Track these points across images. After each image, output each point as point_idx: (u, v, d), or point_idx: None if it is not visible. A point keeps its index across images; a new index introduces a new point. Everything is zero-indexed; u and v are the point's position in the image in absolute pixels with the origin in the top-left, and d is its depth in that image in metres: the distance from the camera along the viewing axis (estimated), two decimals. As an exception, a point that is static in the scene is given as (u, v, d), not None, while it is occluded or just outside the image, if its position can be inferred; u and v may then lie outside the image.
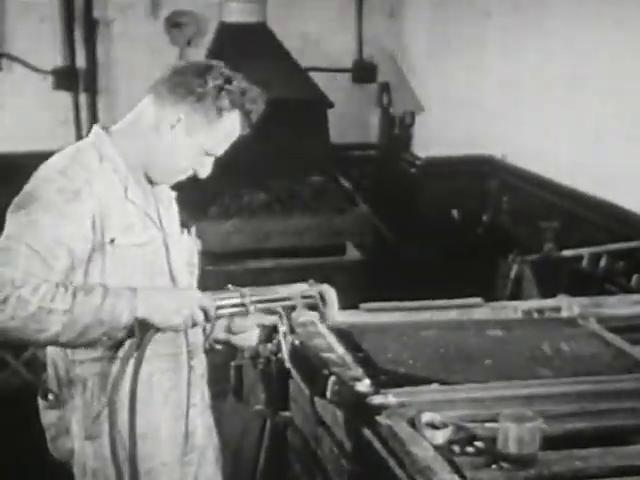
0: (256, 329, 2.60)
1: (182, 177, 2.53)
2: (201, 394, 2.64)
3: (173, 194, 2.65)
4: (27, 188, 2.39)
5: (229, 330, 2.61)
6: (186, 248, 2.63)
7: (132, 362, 2.35)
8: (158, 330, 2.33)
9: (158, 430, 2.49)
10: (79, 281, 2.36)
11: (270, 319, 2.53)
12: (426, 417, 2.20)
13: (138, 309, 2.29)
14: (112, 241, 2.38)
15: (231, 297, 2.41)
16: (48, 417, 2.56)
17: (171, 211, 2.60)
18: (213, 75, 2.39)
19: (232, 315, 2.46)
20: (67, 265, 2.32)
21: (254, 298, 2.42)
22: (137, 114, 2.48)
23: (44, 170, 2.41)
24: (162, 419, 2.49)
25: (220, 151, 2.47)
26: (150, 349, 2.35)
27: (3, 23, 5.69)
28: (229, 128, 2.42)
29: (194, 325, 2.36)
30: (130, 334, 2.32)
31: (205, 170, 2.49)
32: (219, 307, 2.38)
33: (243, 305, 2.40)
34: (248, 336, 2.62)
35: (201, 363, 2.63)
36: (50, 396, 2.51)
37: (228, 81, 2.39)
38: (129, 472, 2.41)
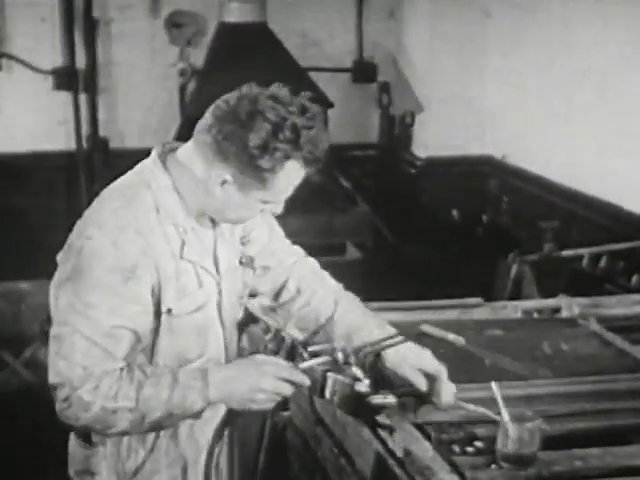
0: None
1: (251, 219, 2.31)
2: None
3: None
4: (75, 259, 2.12)
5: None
6: (240, 280, 2.42)
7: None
8: None
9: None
10: None
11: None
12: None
13: (210, 397, 2.13)
14: (169, 311, 2.19)
15: (320, 354, 2.25)
16: (76, 451, 2.39)
17: (234, 240, 2.38)
18: (257, 128, 2.05)
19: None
20: (131, 345, 2.14)
21: (347, 351, 2.26)
22: (187, 159, 2.19)
23: (91, 231, 2.14)
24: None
25: (285, 197, 2.20)
26: None
27: (3, 23, 5.68)
28: (287, 180, 2.13)
29: (285, 397, 2.19)
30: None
31: (277, 210, 2.25)
32: (308, 369, 2.21)
33: (336, 362, 2.24)
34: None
35: None
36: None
37: (275, 133, 2.05)
38: None
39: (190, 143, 2.21)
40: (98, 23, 5.78)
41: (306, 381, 2.17)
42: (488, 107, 5.70)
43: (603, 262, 4.35)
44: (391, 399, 2.27)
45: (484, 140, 5.76)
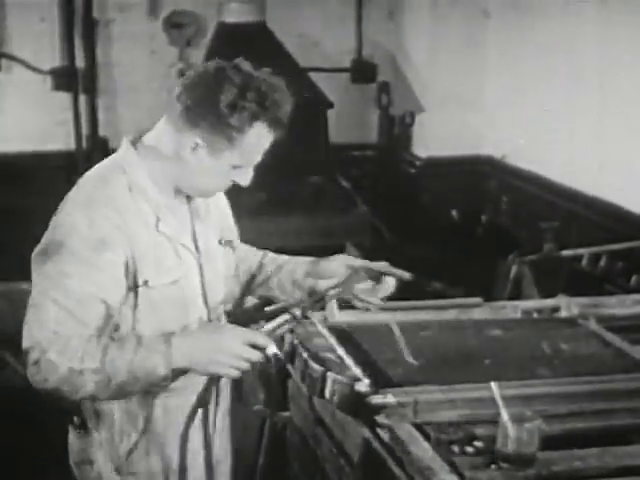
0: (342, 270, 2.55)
1: (221, 190, 2.44)
2: (222, 413, 2.58)
3: (216, 199, 2.50)
4: (52, 233, 2.24)
5: (311, 274, 2.56)
6: (223, 260, 2.51)
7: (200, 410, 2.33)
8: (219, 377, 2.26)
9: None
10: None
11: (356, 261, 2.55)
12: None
13: (174, 361, 2.16)
14: (145, 283, 2.26)
15: (279, 314, 2.31)
16: (74, 443, 2.46)
17: (209, 221, 2.47)
18: (225, 90, 2.18)
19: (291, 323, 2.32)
20: (102, 315, 2.20)
21: (302, 304, 2.34)
22: (158, 134, 2.33)
23: (69, 209, 2.27)
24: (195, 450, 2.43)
25: (254, 162, 2.30)
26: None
27: (3, 23, 5.69)
28: (255, 141, 2.23)
29: (253, 363, 2.21)
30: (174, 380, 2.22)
31: (245, 179, 2.33)
32: (270, 331, 2.26)
33: (295, 318, 2.31)
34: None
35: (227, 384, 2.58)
36: (76, 420, 2.40)
37: (242, 94, 2.18)
38: None
39: (160, 121, 2.34)
40: (98, 23, 5.79)
41: (269, 343, 2.21)
42: (488, 107, 5.70)
43: (603, 262, 4.35)
44: (390, 399, 2.28)
45: (484, 140, 5.77)
